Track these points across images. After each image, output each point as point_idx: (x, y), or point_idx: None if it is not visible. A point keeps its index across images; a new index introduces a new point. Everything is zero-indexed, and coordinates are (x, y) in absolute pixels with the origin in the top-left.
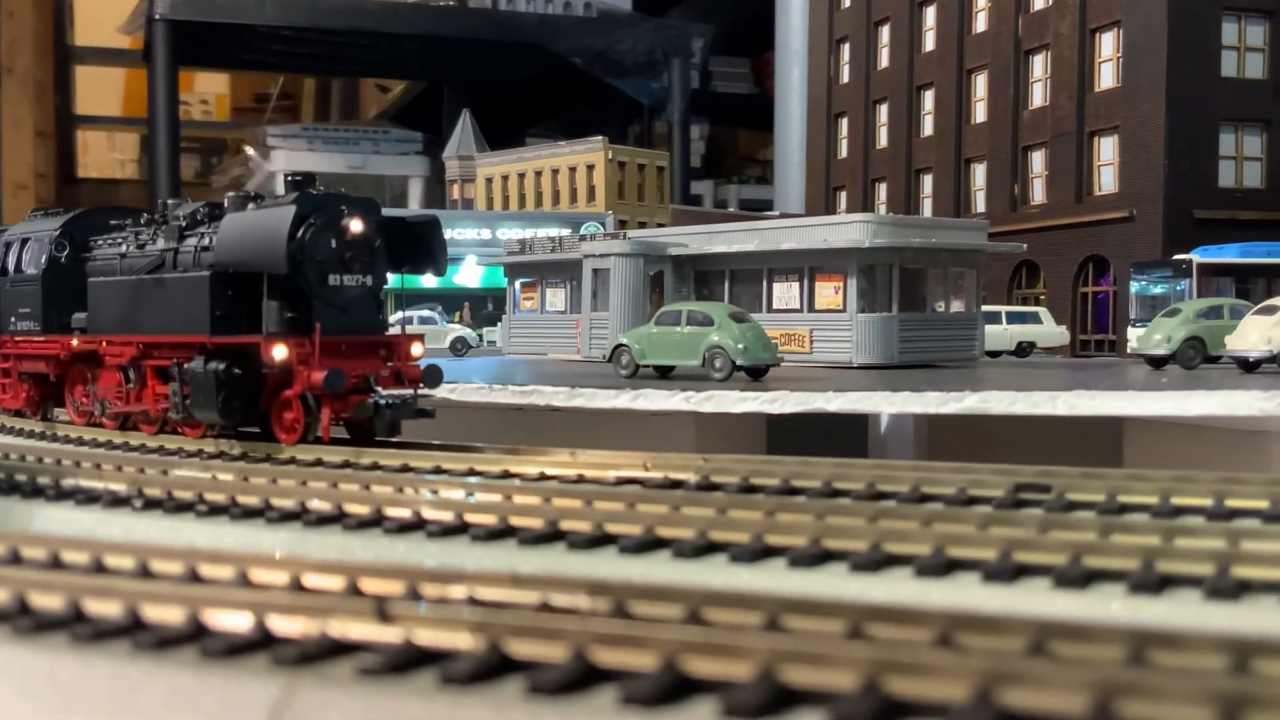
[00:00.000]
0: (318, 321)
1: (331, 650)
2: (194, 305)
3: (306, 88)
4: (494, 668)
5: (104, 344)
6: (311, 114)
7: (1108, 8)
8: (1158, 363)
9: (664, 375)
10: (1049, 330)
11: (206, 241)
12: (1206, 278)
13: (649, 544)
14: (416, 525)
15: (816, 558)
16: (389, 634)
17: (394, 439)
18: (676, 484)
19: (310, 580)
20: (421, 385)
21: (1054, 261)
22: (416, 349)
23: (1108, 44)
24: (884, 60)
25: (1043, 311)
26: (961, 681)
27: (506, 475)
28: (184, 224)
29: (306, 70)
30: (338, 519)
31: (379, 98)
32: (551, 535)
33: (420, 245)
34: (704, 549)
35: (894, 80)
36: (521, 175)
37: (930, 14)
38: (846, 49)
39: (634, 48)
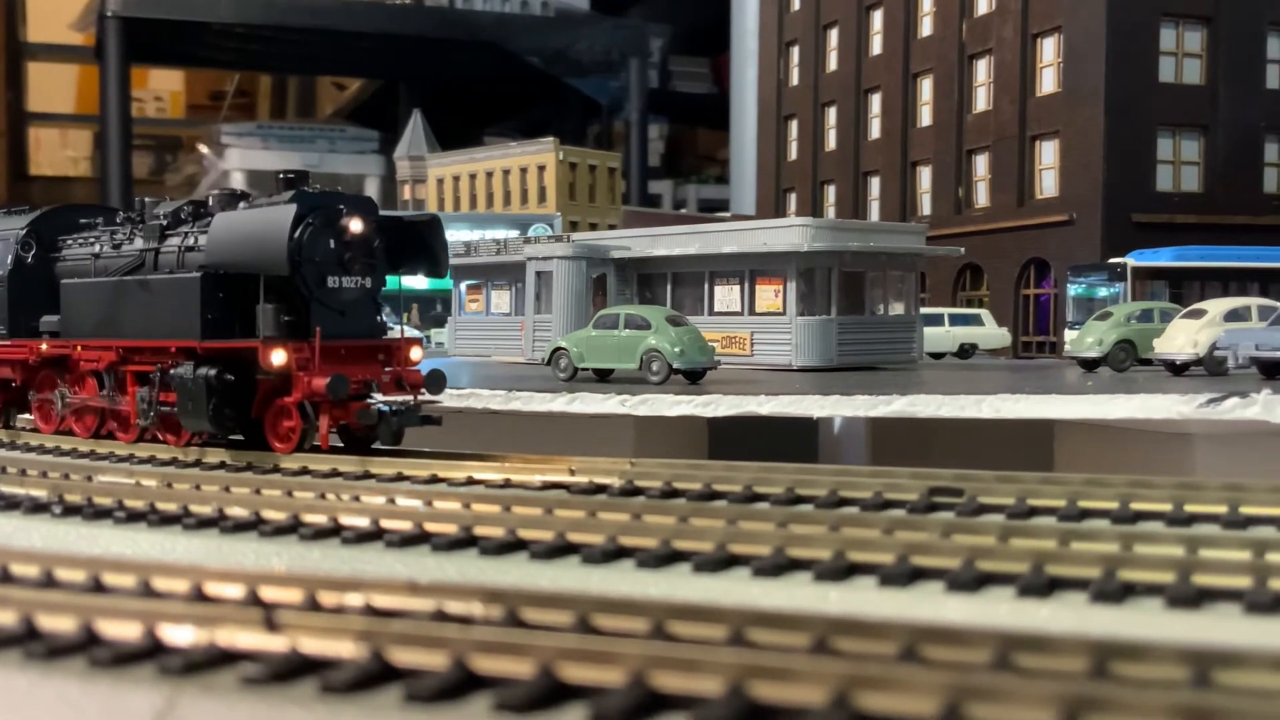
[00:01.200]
0: (316, 325)
1: (219, 659)
2: (183, 308)
3: (262, 85)
4: (375, 676)
5: (78, 349)
6: (267, 111)
7: (1049, 13)
8: (1090, 365)
9: (603, 378)
10: (991, 332)
11: (192, 241)
12: (1141, 281)
13: (560, 549)
14: (333, 531)
15: (723, 562)
16: (276, 643)
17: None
18: (600, 489)
19: (210, 588)
20: (424, 391)
21: (997, 264)
22: (416, 353)
23: (1049, 49)
24: (832, 63)
25: (984, 314)
26: (820, 685)
27: (434, 480)
28: (165, 223)
29: (261, 68)
30: (254, 525)
31: (335, 95)
32: (466, 541)
33: (420, 246)
34: (613, 554)
35: (842, 83)
36: (473, 176)
37: (877, 18)
38: (796, 52)
39: (591, 47)
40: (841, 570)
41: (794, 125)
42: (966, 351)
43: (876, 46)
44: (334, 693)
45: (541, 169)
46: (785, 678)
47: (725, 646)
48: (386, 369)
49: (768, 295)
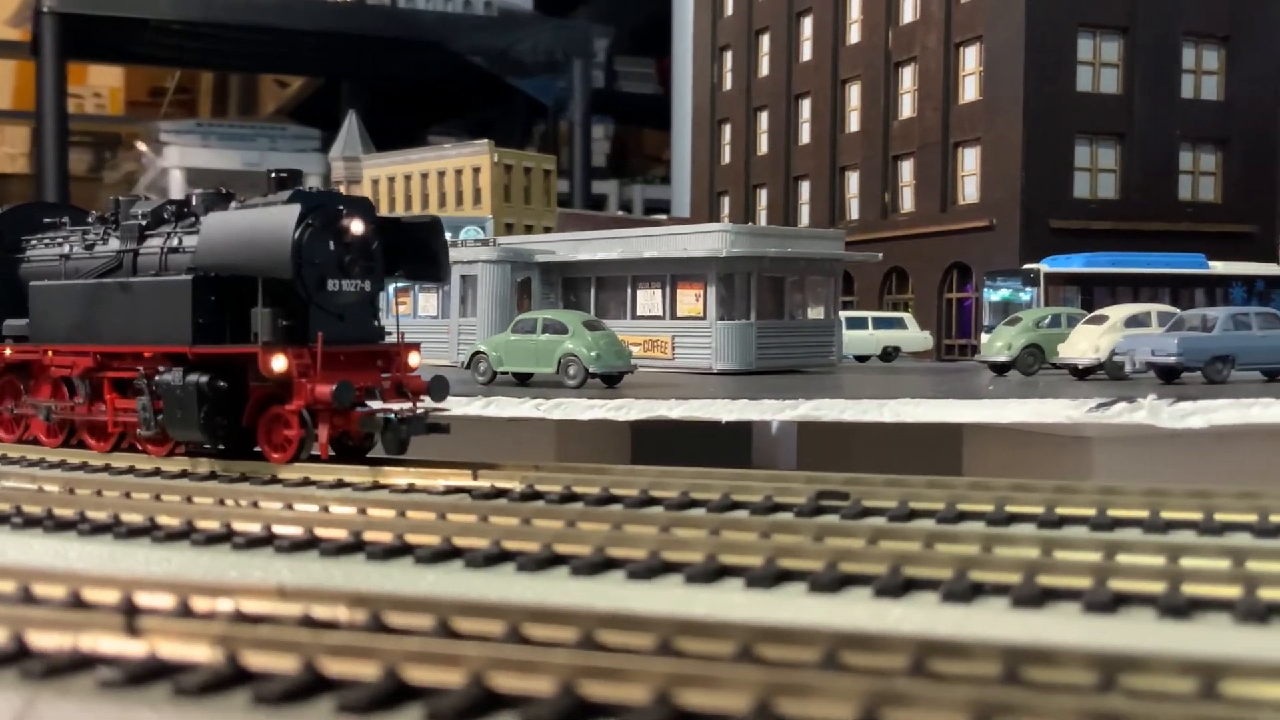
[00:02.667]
0: (315, 329)
1: (81, 663)
2: (171, 312)
3: (204, 82)
4: (228, 679)
5: (49, 354)
6: (209, 109)
7: (971, 23)
8: (1001, 369)
9: (522, 382)
10: (913, 335)
11: (176, 242)
12: (1054, 286)
13: (445, 554)
14: (224, 537)
15: (600, 565)
16: (135, 647)
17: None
18: (501, 493)
19: (87, 594)
20: (427, 397)
21: (921, 268)
22: (414, 359)
23: (971, 58)
24: (764, 69)
25: (907, 317)
26: (645, 684)
27: (340, 484)
28: (145, 223)
29: (201, 65)
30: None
31: (277, 93)
32: (354, 546)
33: (419, 249)
34: (495, 558)
35: (773, 88)
36: (408, 177)
37: (808, 24)
38: (729, 56)
39: (534, 47)
40: (712, 573)
41: (727, 129)
42: (890, 354)
43: (806, 52)
44: (186, 695)
45: (477, 171)
46: (614, 677)
47: (564, 649)
48: (385, 375)
49: (688, 300)
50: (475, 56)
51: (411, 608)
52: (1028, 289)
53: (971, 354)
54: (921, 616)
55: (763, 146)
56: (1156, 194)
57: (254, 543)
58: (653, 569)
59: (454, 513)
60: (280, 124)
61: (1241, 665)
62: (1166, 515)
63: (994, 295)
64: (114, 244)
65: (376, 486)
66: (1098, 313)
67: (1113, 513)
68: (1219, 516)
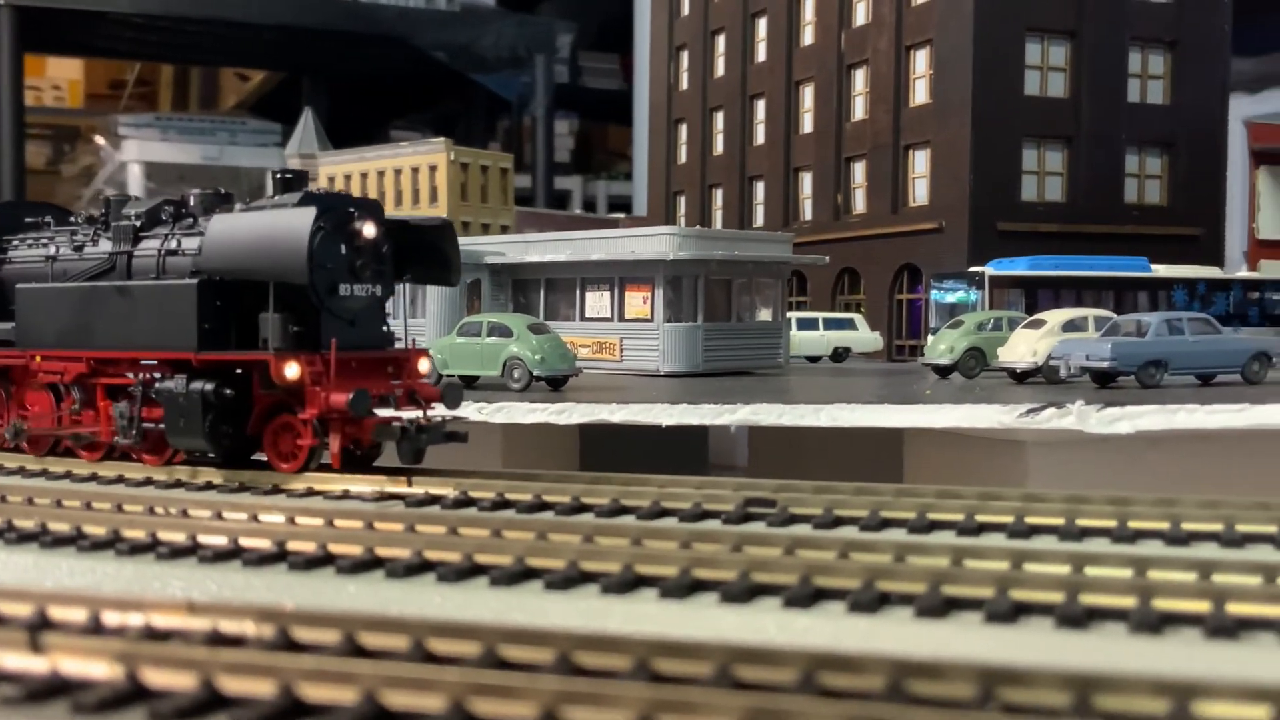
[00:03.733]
0: (327, 336)
1: None
2: (175, 317)
3: (164, 75)
4: (127, 696)
5: (36, 359)
6: (169, 102)
7: (921, 26)
8: (943, 371)
9: (468, 385)
10: (863, 336)
11: (174, 245)
12: (998, 289)
13: (366, 564)
14: (149, 547)
15: (518, 576)
16: (38, 664)
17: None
18: (434, 500)
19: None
20: (440, 405)
21: (873, 269)
22: (424, 365)
23: (921, 61)
24: (720, 69)
25: (858, 318)
26: (533, 702)
27: (275, 490)
28: (139, 224)
29: (161, 58)
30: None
31: (239, 87)
32: (277, 556)
33: (429, 252)
34: (416, 568)
35: (729, 89)
36: (364, 175)
37: (762, 25)
38: (685, 56)
39: (497, 43)
40: (628, 584)
41: (683, 129)
42: (840, 355)
43: (761, 54)
44: (83, 712)
45: (433, 169)
46: (505, 695)
47: (454, 667)
48: (395, 382)
49: (636, 302)
50: (437, 52)
51: (315, 622)
52: (973, 291)
53: (921, 355)
54: (828, 627)
55: (718, 147)
56: (1103, 197)
57: (177, 553)
58: (570, 579)
59: (380, 521)
60: (240, 118)
61: (1120, 679)
62: (1082, 523)
63: (940, 297)
64: (105, 245)
65: (311, 493)
66: (1036, 317)
67: (1030, 520)
68: (1132, 524)
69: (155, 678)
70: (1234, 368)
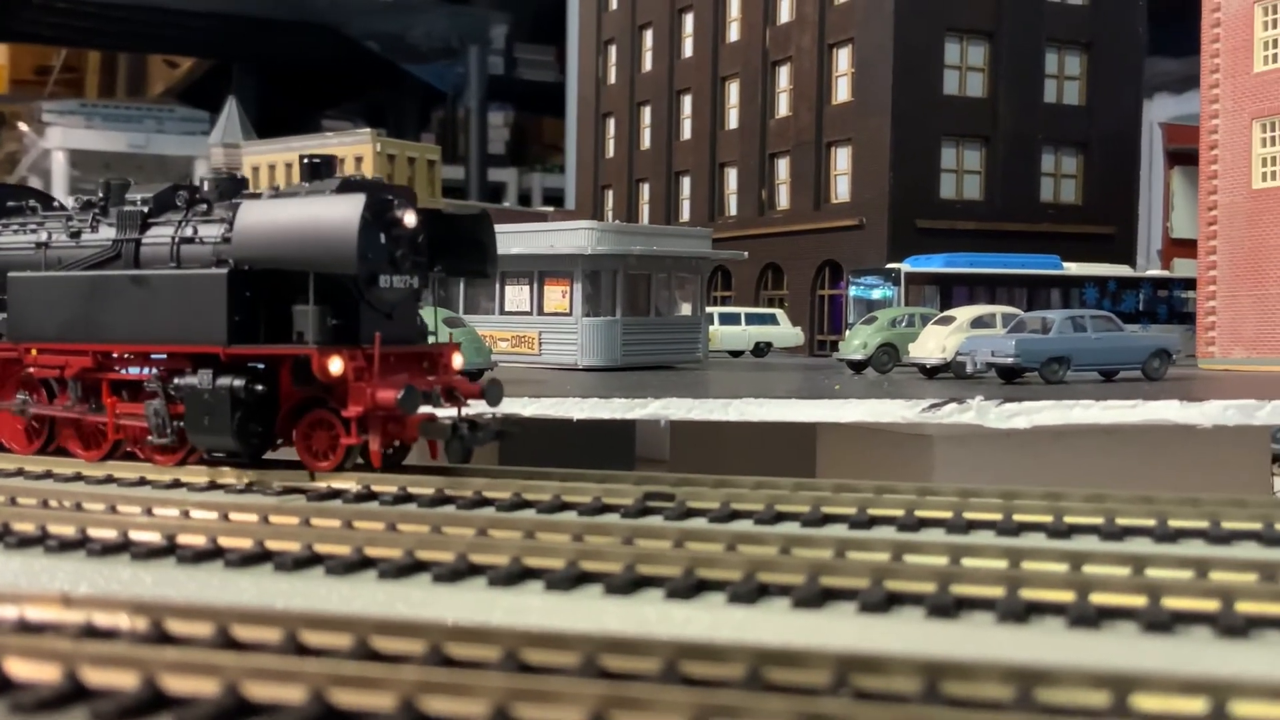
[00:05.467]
0: (368, 329)
1: None
2: (201, 309)
3: (91, 61)
4: None
5: (32, 352)
6: (96, 89)
7: (843, 25)
8: (858, 367)
9: None
10: (785, 331)
11: (190, 232)
12: (914, 286)
13: (254, 558)
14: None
15: (408, 569)
16: None
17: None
18: (337, 494)
19: None
20: (478, 402)
21: (796, 265)
22: (458, 360)
23: (843, 59)
24: (647, 64)
25: (779, 313)
26: (393, 693)
27: (176, 484)
28: (147, 211)
29: (87, 44)
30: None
31: (167, 74)
32: (167, 549)
33: (465, 244)
34: (305, 562)
35: (656, 84)
36: (289, 165)
37: (689, 21)
38: (614, 50)
39: (430, 33)
40: (515, 576)
41: (611, 123)
42: (762, 350)
43: (688, 49)
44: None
45: (359, 160)
46: (363, 685)
47: (305, 658)
48: (431, 377)
49: (555, 296)
50: (370, 41)
51: (188, 615)
52: (890, 288)
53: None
54: (707, 618)
55: (646, 141)
56: (1020, 196)
57: (65, 546)
58: (458, 572)
59: (276, 515)
60: (168, 105)
61: (969, 665)
62: (969, 516)
63: (858, 293)
64: (107, 232)
65: (213, 486)
66: (945, 314)
67: (920, 514)
68: (1017, 518)
69: (17, 670)
70: (1135, 364)
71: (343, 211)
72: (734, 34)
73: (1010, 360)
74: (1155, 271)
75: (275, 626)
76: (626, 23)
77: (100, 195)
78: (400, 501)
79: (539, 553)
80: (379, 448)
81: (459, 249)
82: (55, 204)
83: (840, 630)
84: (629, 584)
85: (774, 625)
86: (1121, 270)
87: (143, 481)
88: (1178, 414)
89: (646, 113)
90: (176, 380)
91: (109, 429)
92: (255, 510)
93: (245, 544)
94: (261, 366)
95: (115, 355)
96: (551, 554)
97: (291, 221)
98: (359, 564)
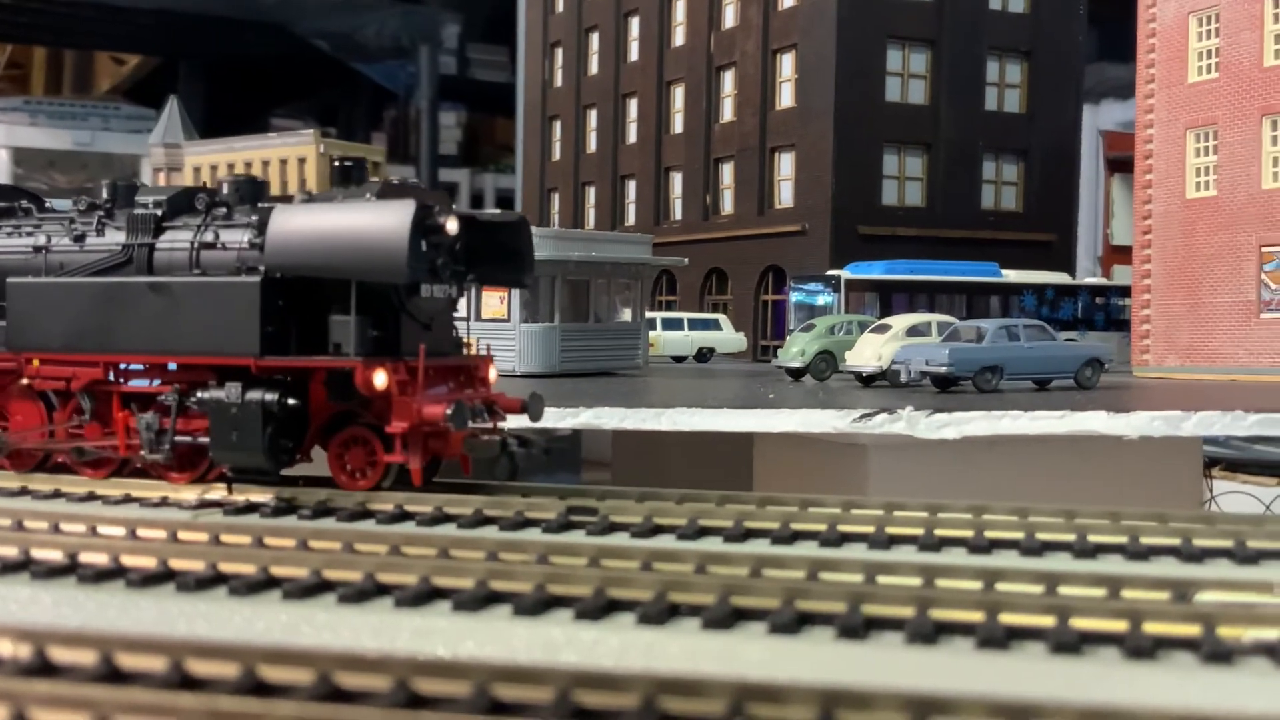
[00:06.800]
0: (406, 340)
1: None
2: (231, 318)
3: (36, 57)
4: None
5: (34, 363)
6: (42, 86)
7: (787, 31)
8: (796, 374)
9: None
10: (728, 337)
11: (211, 237)
12: (854, 293)
13: (155, 578)
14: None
15: (310, 590)
16: None
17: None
18: (254, 508)
19: None
20: (521, 417)
21: (740, 270)
22: (493, 372)
23: (787, 65)
24: (594, 67)
25: (722, 319)
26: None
27: (128, 500)
28: (161, 214)
29: (30, 40)
30: None
31: (114, 71)
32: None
33: (501, 251)
34: (208, 582)
35: (602, 87)
36: (231, 166)
37: (635, 24)
38: (560, 53)
39: (380, 32)
40: (423, 596)
41: (558, 126)
42: (705, 355)
43: (634, 53)
44: None
45: (302, 161)
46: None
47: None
48: (469, 391)
49: (493, 302)
50: (319, 40)
51: (72, 642)
52: (830, 294)
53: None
54: (615, 641)
55: (591, 145)
56: (961, 203)
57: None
58: (364, 593)
59: (185, 530)
60: (114, 103)
61: (861, 693)
62: (891, 531)
63: (799, 299)
64: (115, 236)
65: (128, 500)
66: (881, 322)
67: (843, 528)
68: (938, 532)
69: None
70: (1068, 373)
71: (393, 219)
72: (679, 38)
73: (944, 369)
74: (1092, 279)
75: (162, 654)
76: (573, 25)
77: (105, 197)
78: (320, 515)
79: (450, 572)
80: (419, 465)
81: (495, 257)
82: (47, 205)
83: (748, 652)
84: (538, 604)
85: (683, 647)
86: (1059, 278)
87: (92, 496)
88: (1104, 425)
89: (593, 116)
90: (200, 394)
91: (120, 446)
92: (166, 527)
93: (150, 563)
94: (289, 380)
95: (128, 366)
96: (463, 573)
97: (334, 228)
98: (263, 584)
